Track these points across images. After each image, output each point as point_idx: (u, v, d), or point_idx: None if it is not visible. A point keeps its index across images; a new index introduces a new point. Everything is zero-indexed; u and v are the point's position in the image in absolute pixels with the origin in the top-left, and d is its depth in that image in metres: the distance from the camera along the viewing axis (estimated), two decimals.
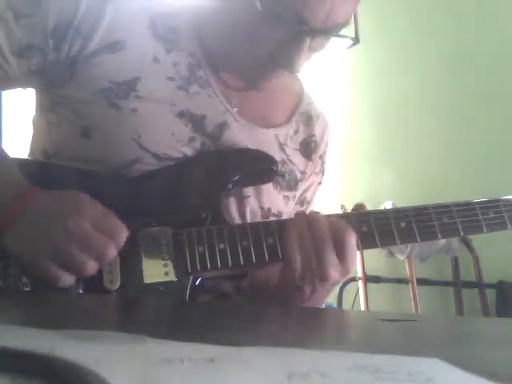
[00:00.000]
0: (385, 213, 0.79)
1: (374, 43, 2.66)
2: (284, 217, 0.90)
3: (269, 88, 0.87)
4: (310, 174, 0.96)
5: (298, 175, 0.92)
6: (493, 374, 0.31)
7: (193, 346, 0.35)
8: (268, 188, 0.87)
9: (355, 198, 2.54)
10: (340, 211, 2.42)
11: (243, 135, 0.86)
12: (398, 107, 2.66)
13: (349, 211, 2.37)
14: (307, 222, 0.73)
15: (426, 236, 0.78)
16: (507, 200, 0.82)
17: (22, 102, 0.93)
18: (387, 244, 0.78)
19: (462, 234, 0.80)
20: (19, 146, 0.91)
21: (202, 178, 0.80)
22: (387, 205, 2.46)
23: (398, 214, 0.78)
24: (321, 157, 0.98)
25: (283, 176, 0.89)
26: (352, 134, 2.66)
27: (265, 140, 0.89)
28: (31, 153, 0.87)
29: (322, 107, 1.02)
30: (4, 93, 0.86)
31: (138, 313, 0.62)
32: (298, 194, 0.94)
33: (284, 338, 0.47)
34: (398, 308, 2.58)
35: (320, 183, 1.01)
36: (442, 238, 0.79)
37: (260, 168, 0.84)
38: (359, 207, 0.81)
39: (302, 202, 0.97)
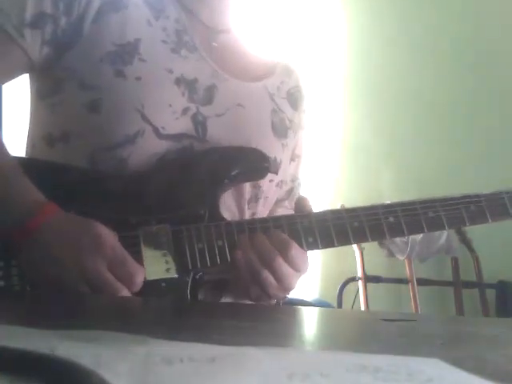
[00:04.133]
0: (374, 208, 0.81)
1: (374, 41, 2.66)
2: (282, 166, 0.93)
3: (245, 43, 0.96)
4: (298, 128, 0.99)
5: (287, 123, 0.96)
6: (492, 374, 0.31)
7: (193, 345, 0.35)
8: (270, 137, 0.90)
9: (355, 197, 2.53)
10: None
11: (235, 93, 0.89)
12: (398, 106, 2.66)
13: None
14: (252, 247, 0.75)
15: (412, 230, 0.82)
16: (487, 195, 0.85)
17: (22, 95, 0.93)
18: (377, 238, 0.81)
19: (446, 227, 0.83)
20: (19, 140, 0.91)
21: (199, 175, 0.81)
22: None
23: (386, 209, 0.81)
24: (304, 111, 1.02)
25: (276, 173, 0.90)
26: (352, 133, 2.66)
27: (256, 92, 0.92)
28: (31, 143, 0.87)
29: (322, 106, 1.05)
30: (4, 86, 0.86)
31: (138, 313, 0.62)
32: (289, 143, 0.96)
33: (284, 337, 0.47)
34: (398, 308, 2.58)
35: (305, 137, 1.05)
36: (428, 231, 0.82)
37: (254, 166, 0.85)
38: (302, 202, 0.85)
39: (293, 157, 1.00)
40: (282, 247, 0.75)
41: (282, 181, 0.96)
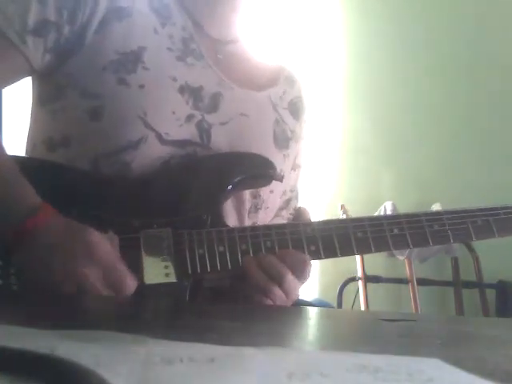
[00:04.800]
0: (379, 219, 0.81)
1: (373, 43, 2.66)
2: (284, 176, 0.93)
3: (250, 53, 0.96)
4: (298, 138, 0.99)
5: (289, 134, 0.95)
6: (492, 374, 0.31)
7: (193, 345, 0.35)
8: (271, 148, 0.90)
9: (355, 198, 2.54)
10: (340, 211, 2.42)
11: (240, 102, 0.89)
12: (398, 108, 2.66)
13: (349, 212, 2.38)
14: (260, 267, 0.75)
15: (417, 242, 0.81)
16: (494, 209, 0.84)
17: (23, 97, 0.93)
18: (381, 249, 0.80)
19: (452, 241, 0.82)
20: (20, 141, 0.91)
21: (203, 180, 0.80)
22: (387, 205, 2.46)
23: (391, 220, 0.81)
24: (305, 121, 1.02)
25: (281, 181, 0.90)
26: (352, 133, 2.66)
27: (260, 102, 0.92)
28: (31, 146, 0.86)
29: (322, 108, 1.06)
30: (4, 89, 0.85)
31: (138, 313, 0.62)
32: (290, 153, 0.96)
33: (284, 337, 0.47)
34: (398, 308, 2.58)
35: (305, 147, 1.05)
36: (433, 244, 0.81)
37: (258, 173, 0.85)
38: (301, 213, 0.85)
39: (294, 166, 1.00)
40: (294, 265, 0.75)
41: (283, 191, 0.96)
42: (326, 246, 0.78)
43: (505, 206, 0.85)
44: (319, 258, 0.78)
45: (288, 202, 1.00)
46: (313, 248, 0.78)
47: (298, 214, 0.84)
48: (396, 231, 0.80)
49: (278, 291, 0.74)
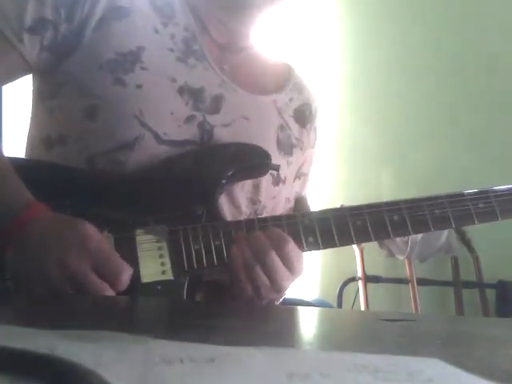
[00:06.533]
0: (378, 206, 0.79)
1: (372, 42, 2.66)
2: (287, 183, 0.92)
3: (258, 59, 0.94)
4: (306, 147, 0.97)
5: (293, 141, 0.94)
6: (492, 374, 0.31)
7: (193, 346, 0.35)
8: (274, 153, 0.88)
9: (355, 197, 2.53)
10: None
11: (242, 105, 0.87)
12: (397, 107, 2.66)
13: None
14: (247, 242, 0.73)
15: (418, 228, 0.79)
16: (497, 191, 0.81)
17: (23, 98, 0.93)
18: (381, 237, 0.78)
19: (453, 225, 0.80)
20: (20, 142, 0.91)
21: (196, 175, 0.80)
22: None
23: (390, 207, 0.79)
24: (315, 129, 1.00)
25: (277, 170, 0.88)
26: (351, 133, 2.66)
27: (263, 106, 0.91)
28: (30, 144, 0.87)
29: (320, 106, 1.04)
30: (4, 88, 0.85)
31: (138, 313, 0.62)
32: (294, 161, 0.94)
33: (284, 337, 0.47)
34: (398, 308, 2.58)
35: (315, 156, 1.04)
36: (435, 229, 0.79)
37: (254, 163, 0.84)
38: (300, 202, 0.83)
39: (299, 174, 0.98)
40: (277, 242, 0.73)
41: (286, 198, 0.95)
42: (324, 237, 0.77)
43: (508, 188, 0.82)
44: (318, 248, 0.77)
45: (292, 210, 0.98)
46: (311, 239, 0.76)
47: (298, 203, 0.82)
48: (396, 218, 0.78)
49: (261, 274, 0.72)
